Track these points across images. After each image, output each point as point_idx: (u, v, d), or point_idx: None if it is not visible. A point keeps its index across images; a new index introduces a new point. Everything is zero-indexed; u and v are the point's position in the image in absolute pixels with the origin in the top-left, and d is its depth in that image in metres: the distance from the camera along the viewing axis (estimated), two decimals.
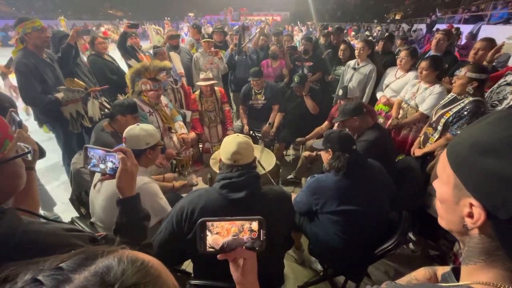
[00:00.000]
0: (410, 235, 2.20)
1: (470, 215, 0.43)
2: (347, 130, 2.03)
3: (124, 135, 1.48)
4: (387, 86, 2.87)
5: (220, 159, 1.23)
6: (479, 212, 0.41)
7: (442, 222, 0.51)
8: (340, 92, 2.64)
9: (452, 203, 0.46)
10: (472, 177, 0.42)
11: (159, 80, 2.48)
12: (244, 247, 0.65)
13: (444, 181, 0.48)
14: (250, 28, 7.45)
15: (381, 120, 2.77)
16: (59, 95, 2.38)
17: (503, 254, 0.41)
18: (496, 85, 2.15)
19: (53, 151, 3.03)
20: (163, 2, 30.23)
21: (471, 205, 0.42)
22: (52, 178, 3.09)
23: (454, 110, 1.91)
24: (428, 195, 1.95)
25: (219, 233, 0.63)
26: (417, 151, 2.17)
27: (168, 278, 0.35)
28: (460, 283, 0.47)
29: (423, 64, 2.30)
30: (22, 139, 0.93)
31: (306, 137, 2.87)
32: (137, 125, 1.54)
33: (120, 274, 0.30)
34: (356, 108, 2.04)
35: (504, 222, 0.39)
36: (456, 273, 0.53)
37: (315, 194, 1.49)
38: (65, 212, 2.47)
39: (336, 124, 2.57)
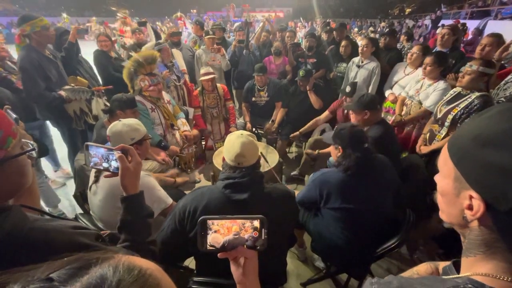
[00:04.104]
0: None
1: (470, 207, 0.43)
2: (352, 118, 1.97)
3: (107, 133, 1.43)
4: (396, 83, 2.83)
5: (224, 158, 1.21)
6: (478, 204, 0.42)
7: (443, 215, 0.52)
8: (348, 88, 2.53)
9: (453, 196, 0.47)
10: (472, 170, 0.43)
11: (156, 74, 2.47)
12: (245, 246, 0.63)
13: (445, 174, 0.49)
14: (253, 25, 7.39)
15: (389, 118, 2.74)
16: (63, 93, 2.39)
17: (503, 246, 0.41)
18: (503, 82, 2.11)
19: (57, 148, 3.04)
20: None
21: (470, 197, 0.43)
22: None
23: (462, 105, 1.88)
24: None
25: (220, 231, 0.62)
26: (423, 148, 2.14)
27: (167, 287, 0.33)
28: (461, 275, 0.47)
29: (428, 59, 2.28)
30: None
31: (300, 130, 2.82)
32: (120, 120, 1.47)
33: (115, 285, 0.28)
34: (371, 102, 1.94)
35: (503, 214, 0.39)
36: (457, 266, 0.53)
37: (320, 187, 1.47)
38: (70, 208, 2.50)
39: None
